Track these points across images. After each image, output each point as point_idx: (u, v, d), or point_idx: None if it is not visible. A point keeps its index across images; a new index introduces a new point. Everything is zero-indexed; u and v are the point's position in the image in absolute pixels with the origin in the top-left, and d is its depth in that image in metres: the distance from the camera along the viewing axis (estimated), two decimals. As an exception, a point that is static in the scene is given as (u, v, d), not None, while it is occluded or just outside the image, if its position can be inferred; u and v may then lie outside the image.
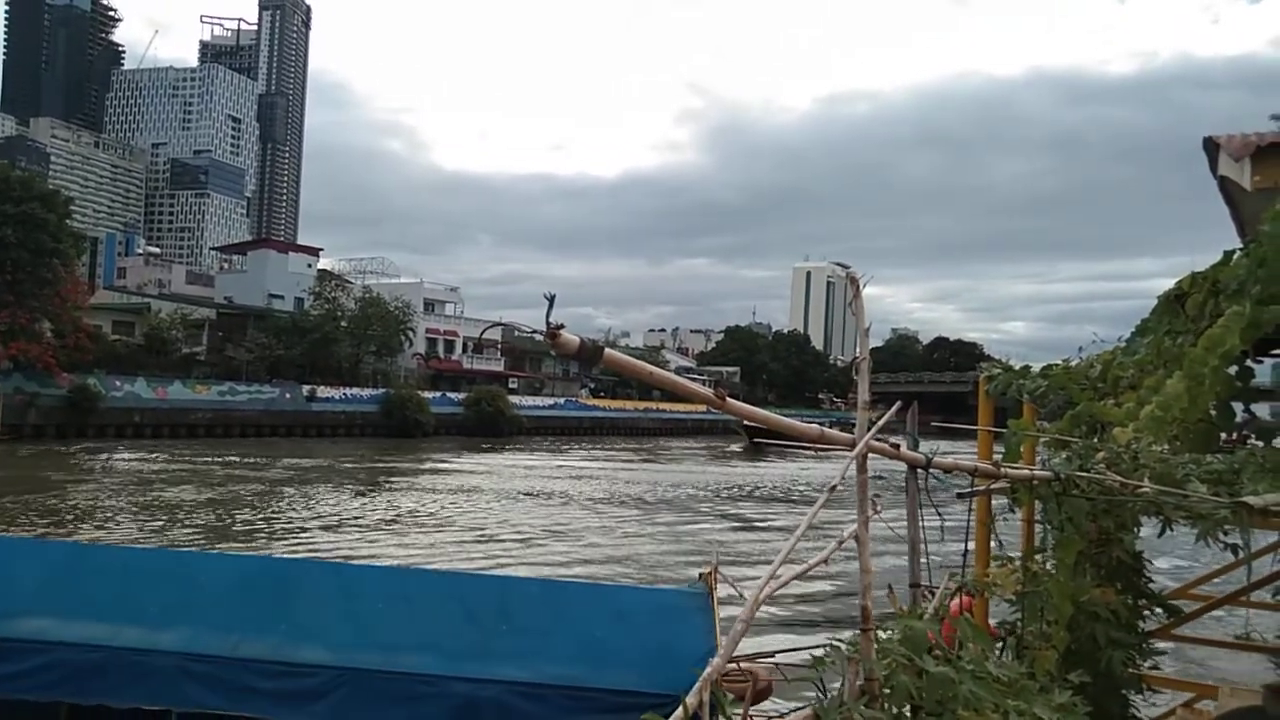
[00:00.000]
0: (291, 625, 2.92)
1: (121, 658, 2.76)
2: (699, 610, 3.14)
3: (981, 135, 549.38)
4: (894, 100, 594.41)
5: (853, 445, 2.14)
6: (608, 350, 1.76)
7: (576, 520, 25.08)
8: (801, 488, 36.94)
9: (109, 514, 22.73)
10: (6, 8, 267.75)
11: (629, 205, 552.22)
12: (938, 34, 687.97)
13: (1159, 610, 3.93)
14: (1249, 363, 4.04)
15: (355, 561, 16.86)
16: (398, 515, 24.66)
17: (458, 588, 3.45)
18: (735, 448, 69.22)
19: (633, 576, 17.43)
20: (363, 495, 28.75)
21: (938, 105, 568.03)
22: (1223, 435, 4.12)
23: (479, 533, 22.07)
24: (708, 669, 1.63)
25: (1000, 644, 3.70)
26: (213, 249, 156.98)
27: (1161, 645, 4.06)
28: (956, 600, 3.74)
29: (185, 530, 20.83)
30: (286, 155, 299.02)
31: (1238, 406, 4.06)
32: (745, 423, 69.27)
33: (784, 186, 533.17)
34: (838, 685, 2.02)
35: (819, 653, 2.10)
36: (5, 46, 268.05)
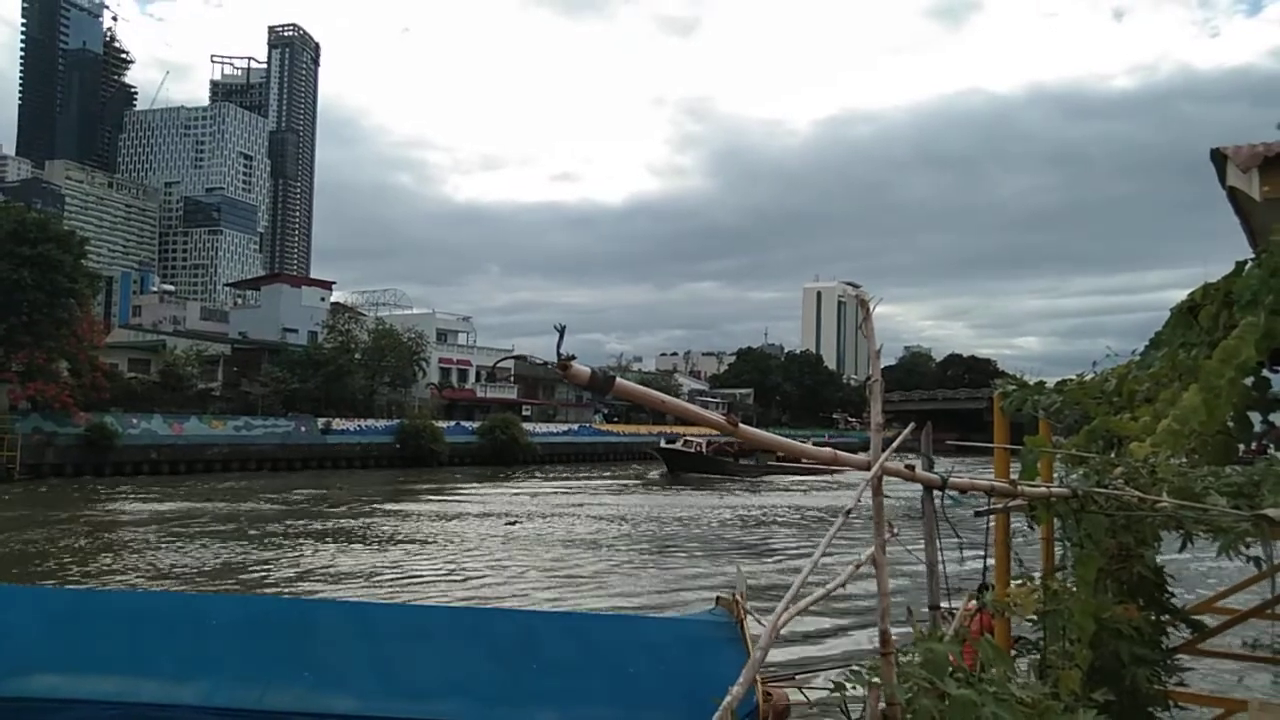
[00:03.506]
0: (315, 672, 2.82)
1: (141, 714, 2.63)
2: (728, 641, 3.07)
3: (985, 152, 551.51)
4: (895, 120, 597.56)
5: (867, 467, 2.13)
6: (618, 380, 1.77)
7: (590, 547, 24.99)
8: (814, 514, 36.68)
9: (120, 554, 22.79)
10: (21, 53, 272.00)
11: (636, 231, 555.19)
12: (935, 54, 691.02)
13: (1183, 626, 3.89)
14: (1265, 373, 4.02)
15: (371, 599, 16.86)
16: (411, 549, 24.63)
17: (481, 624, 3.36)
18: (654, 475, 60.99)
19: (650, 602, 17.31)
20: (375, 528, 28.74)
21: (939, 124, 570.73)
22: (1241, 447, 4.09)
23: (494, 565, 22.01)
24: (727, 698, 1.62)
25: (1017, 658, 3.67)
26: (226, 285, 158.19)
27: (1187, 661, 4.02)
28: (977, 620, 3.72)
29: (196, 568, 20.85)
30: (298, 191, 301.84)
31: (1255, 417, 4.03)
32: (663, 445, 64.81)
33: (789, 208, 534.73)
34: (859, 709, 2.01)
35: (837, 675, 2.09)
36: (20, 91, 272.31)
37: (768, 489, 49.45)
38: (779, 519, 33.60)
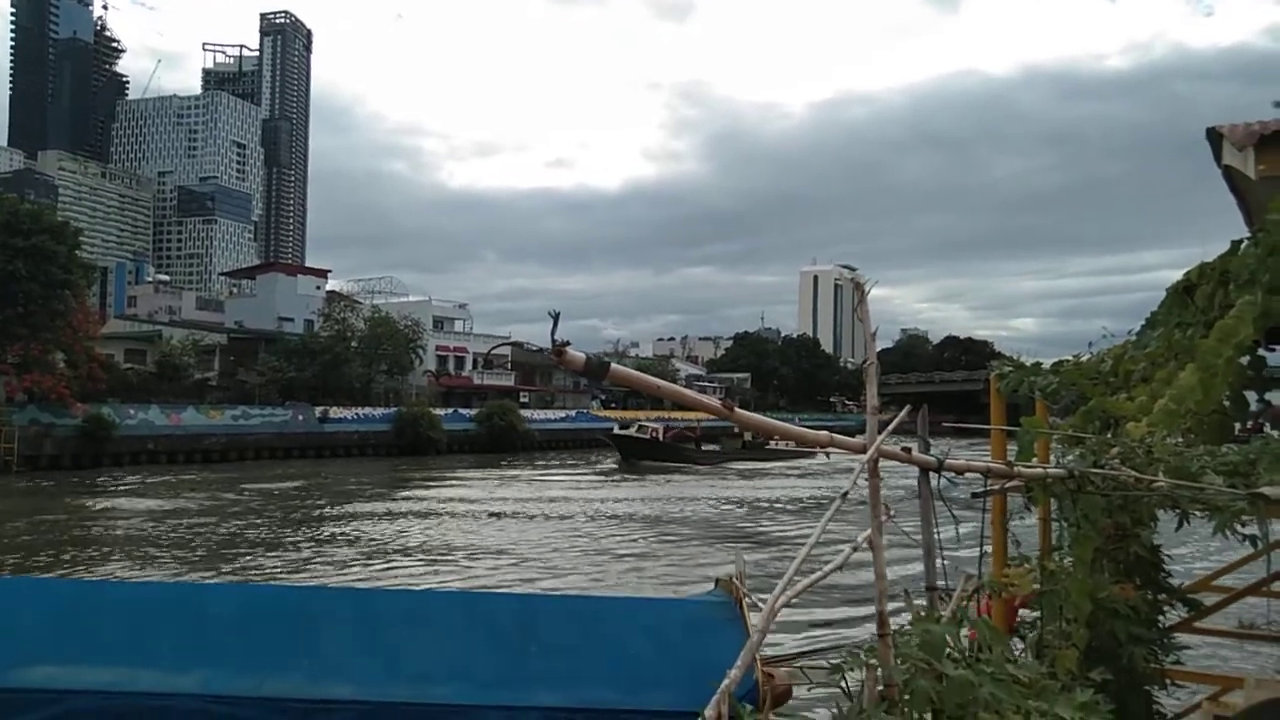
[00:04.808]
0: (314, 659, 2.80)
1: (139, 703, 2.60)
2: (729, 621, 3.06)
3: (980, 134, 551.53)
4: (890, 102, 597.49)
5: (863, 450, 2.13)
6: (613, 365, 1.77)
7: (586, 535, 25.06)
8: (809, 499, 36.73)
9: (119, 545, 22.82)
10: (11, 43, 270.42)
11: (631, 216, 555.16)
12: (930, 35, 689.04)
13: (1179, 604, 3.91)
14: (1261, 352, 4.02)
15: (369, 585, 16.90)
16: (407, 536, 24.69)
17: (479, 608, 3.34)
18: (610, 464, 56.12)
19: (648, 585, 17.36)
20: (372, 517, 28.77)
21: (934, 105, 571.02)
22: (1237, 426, 4.09)
23: (491, 552, 22.06)
24: (725, 680, 1.63)
25: (1016, 638, 3.68)
26: (222, 274, 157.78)
27: (1184, 640, 4.03)
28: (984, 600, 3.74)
29: (194, 559, 20.89)
30: (292, 179, 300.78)
31: (1251, 396, 4.03)
32: (616, 432, 60.97)
33: (785, 192, 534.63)
34: (858, 689, 2.01)
35: (836, 656, 2.10)
36: (11, 81, 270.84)
37: (742, 477, 47.07)
38: (761, 507, 33.68)
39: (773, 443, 58.91)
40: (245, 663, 2.75)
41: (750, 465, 55.25)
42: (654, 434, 58.93)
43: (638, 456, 55.86)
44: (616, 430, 62.13)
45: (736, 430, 62.04)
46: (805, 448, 2.29)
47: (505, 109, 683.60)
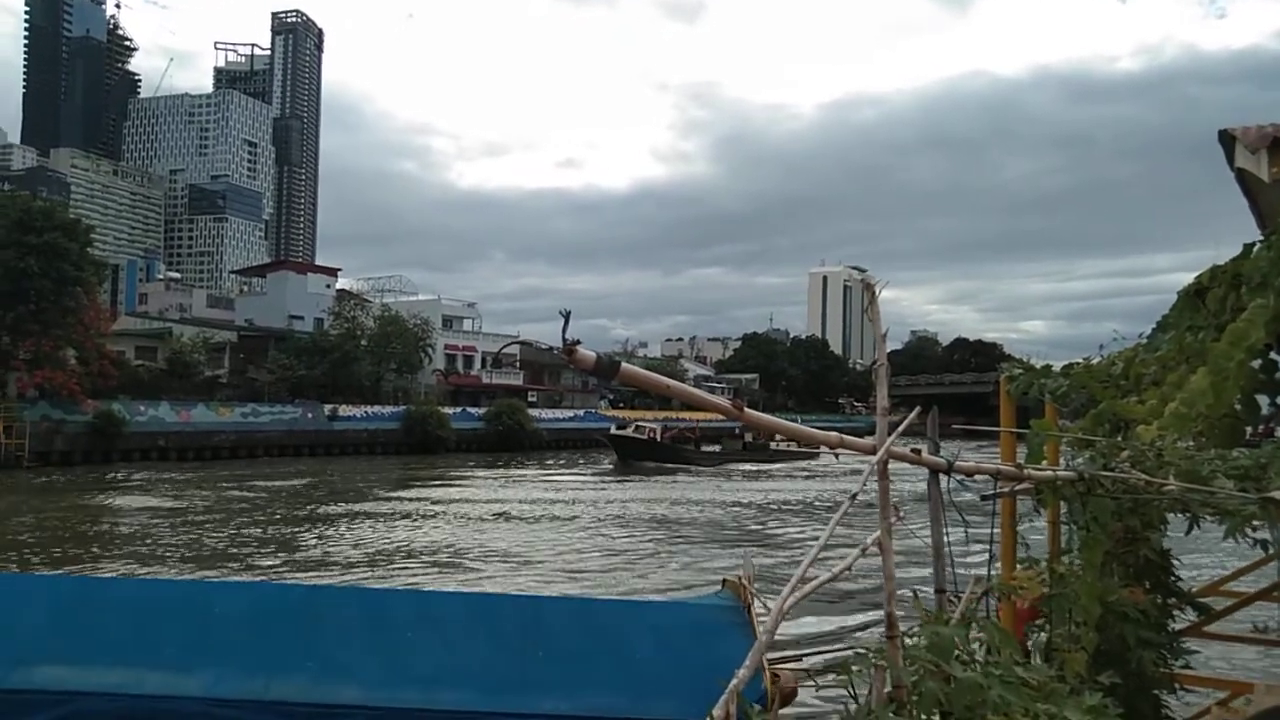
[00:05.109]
0: (320, 661, 2.78)
1: (143, 705, 2.58)
2: (737, 625, 3.04)
3: (989, 136, 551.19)
4: (900, 104, 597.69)
5: (873, 451, 2.13)
6: (624, 365, 1.77)
7: (594, 535, 25.05)
8: (821, 502, 36.63)
9: (126, 542, 22.90)
10: (25, 41, 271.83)
11: (641, 217, 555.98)
12: (940, 36, 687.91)
13: (1189, 608, 3.89)
14: (1274, 355, 4.00)
15: (377, 585, 16.93)
16: (415, 536, 24.72)
17: (486, 609, 3.31)
18: (607, 464, 55.49)
19: (662, 585, 17.35)
20: (381, 516, 28.82)
21: (944, 107, 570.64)
22: (1248, 429, 4.07)
23: (498, 552, 22.07)
24: (733, 681, 1.63)
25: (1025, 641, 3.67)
26: (232, 272, 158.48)
27: (1193, 644, 4.02)
28: (1026, 603, 3.73)
29: (201, 557, 20.95)
30: (303, 177, 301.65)
31: (1263, 400, 4.01)
32: (613, 432, 59.89)
33: (794, 193, 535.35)
34: (865, 690, 2.01)
35: (844, 658, 2.09)
36: (25, 79, 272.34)
37: (747, 478, 46.37)
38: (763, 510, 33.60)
39: (775, 444, 58.55)
40: (250, 664, 2.73)
41: (753, 466, 54.53)
42: (651, 434, 58.13)
43: (635, 457, 54.96)
44: (613, 430, 61.15)
45: (738, 431, 61.78)
46: (809, 448, 2.30)
47: (514, 109, 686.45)
